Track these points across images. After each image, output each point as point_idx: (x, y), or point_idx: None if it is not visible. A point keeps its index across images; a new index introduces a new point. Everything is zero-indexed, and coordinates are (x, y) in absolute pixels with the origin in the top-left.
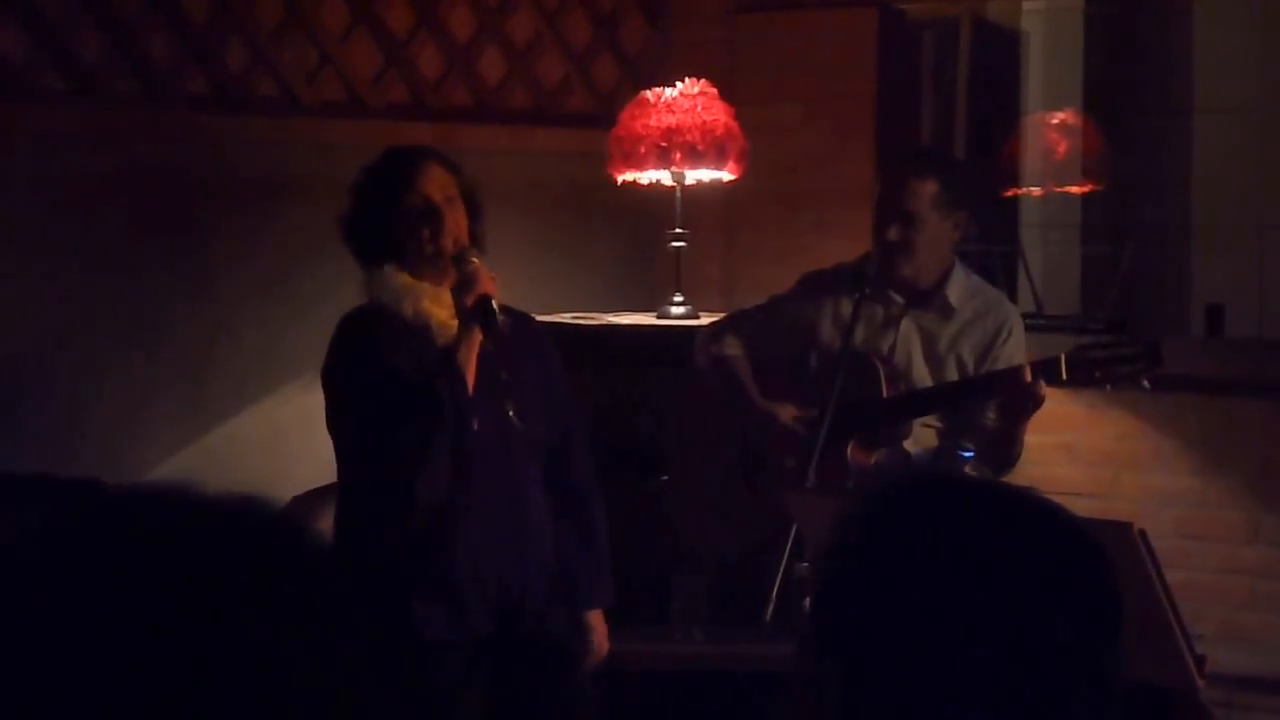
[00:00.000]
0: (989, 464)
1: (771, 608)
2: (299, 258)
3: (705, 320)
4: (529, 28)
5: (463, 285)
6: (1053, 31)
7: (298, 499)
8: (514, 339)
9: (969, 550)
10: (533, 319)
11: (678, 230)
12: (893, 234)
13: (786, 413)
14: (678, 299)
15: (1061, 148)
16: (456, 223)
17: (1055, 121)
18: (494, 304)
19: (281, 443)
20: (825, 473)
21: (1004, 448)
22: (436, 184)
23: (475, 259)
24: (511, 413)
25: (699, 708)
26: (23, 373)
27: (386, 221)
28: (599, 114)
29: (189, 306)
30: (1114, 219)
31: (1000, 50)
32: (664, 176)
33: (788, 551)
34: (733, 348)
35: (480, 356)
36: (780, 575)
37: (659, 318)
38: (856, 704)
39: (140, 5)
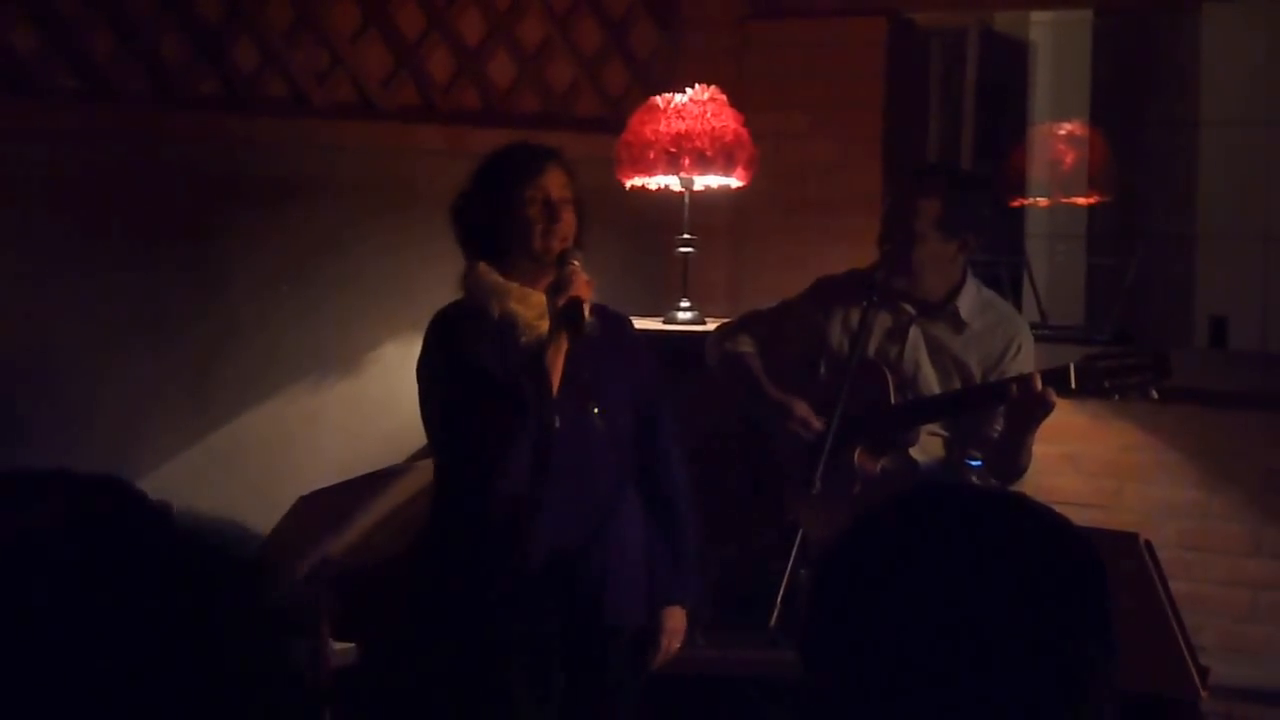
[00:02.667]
0: (998, 474)
1: (777, 613)
2: (308, 258)
3: (712, 325)
4: (539, 31)
5: (558, 286)
6: (1061, 43)
7: (304, 499)
8: (606, 339)
9: (945, 562)
10: (629, 321)
11: (686, 236)
12: (888, 248)
13: (801, 405)
14: (685, 304)
15: (1068, 158)
16: (569, 224)
17: (1062, 132)
18: (585, 307)
19: (288, 442)
20: (832, 479)
21: (1012, 457)
22: (557, 184)
23: (576, 261)
24: (596, 410)
25: (702, 713)
26: (31, 370)
27: (505, 212)
28: (608, 118)
29: (197, 305)
30: (1120, 230)
31: (1008, 60)
32: (672, 182)
33: (793, 557)
34: (745, 345)
35: (568, 357)
36: (785, 581)
37: (666, 323)
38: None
39: (152, 5)
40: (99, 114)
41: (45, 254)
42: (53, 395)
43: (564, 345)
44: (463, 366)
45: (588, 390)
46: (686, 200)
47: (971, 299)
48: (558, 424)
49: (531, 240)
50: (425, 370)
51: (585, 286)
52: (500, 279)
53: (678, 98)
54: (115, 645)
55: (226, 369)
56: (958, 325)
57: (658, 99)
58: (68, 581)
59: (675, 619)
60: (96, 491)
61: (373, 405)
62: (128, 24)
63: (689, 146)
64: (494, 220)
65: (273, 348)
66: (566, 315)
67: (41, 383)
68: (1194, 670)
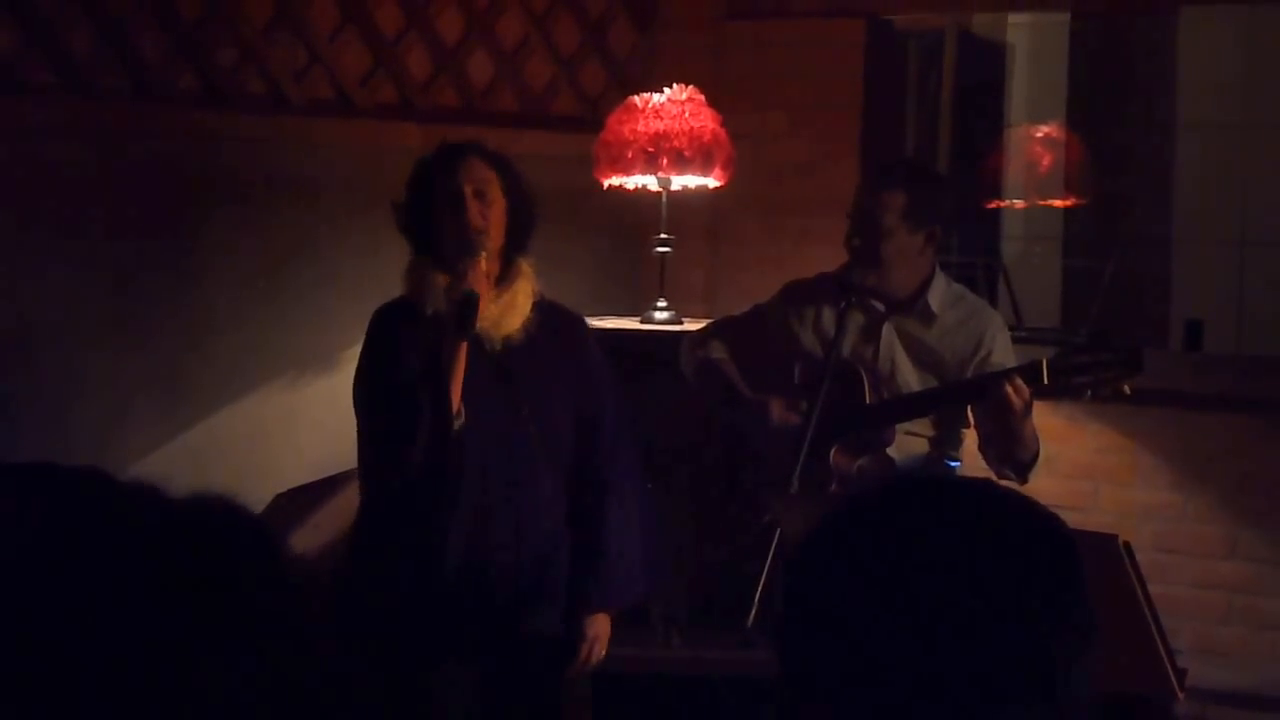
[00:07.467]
0: (1009, 467)
1: (754, 614)
2: (284, 256)
3: (689, 326)
4: (518, 31)
5: (458, 277)
6: (1038, 45)
7: (280, 496)
8: (550, 339)
9: (918, 551)
10: (581, 321)
11: (663, 236)
12: (857, 244)
13: (778, 402)
14: (662, 304)
15: (1045, 161)
16: (482, 214)
17: (1039, 135)
18: (475, 302)
19: (264, 440)
20: (809, 479)
21: (1010, 450)
22: (471, 175)
23: (482, 253)
24: (526, 412)
25: (679, 712)
26: (6, 366)
27: (427, 210)
28: (586, 118)
29: (174, 302)
30: (1096, 233)
31: (985, 62)
32: (650, 182)
33: (770, 557)
34: (718, 352)
35: (498, 354)
36: (763, 581)
37: (643, 323)
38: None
39: (131, 1)
40: (76, 109)
41: (21, 249)
42: (28, 391)
43: (462, 340)
44: (382, 361)
45: (519, 390)
46: (664, 200)
47: (941, 292)
48: (461, 420)
49: (446, 234)
50: (359, 364)
51: (482, 280)
52: (440, 275)
53: (656, 97)
54: (101, 636)
55: (203, 366)
56: (928, 318)
57: (636, 99)
58: (55, 575)
59: (596, 626)
60: (81, 485)
61: (350, 403)
62: (106, 20)
63: (667, 146)
64: (419, 219)
65: (250, 345)
66: (457, 309)
67: (16, 378)
68: (1171, 672)
